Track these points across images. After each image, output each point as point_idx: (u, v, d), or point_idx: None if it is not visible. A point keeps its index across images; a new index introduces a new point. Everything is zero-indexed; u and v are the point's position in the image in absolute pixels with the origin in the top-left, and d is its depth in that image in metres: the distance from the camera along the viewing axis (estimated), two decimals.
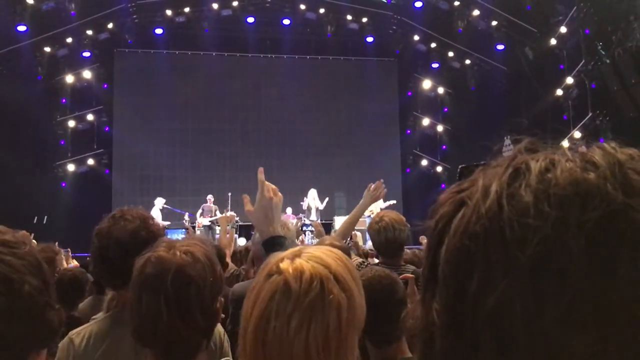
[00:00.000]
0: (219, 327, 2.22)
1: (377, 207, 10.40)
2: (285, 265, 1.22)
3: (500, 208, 0.50)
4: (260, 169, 1.93)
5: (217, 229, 14.72)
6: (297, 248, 1.29)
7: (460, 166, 1.30)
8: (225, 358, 2.07)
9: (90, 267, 2.32)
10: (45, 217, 15.83)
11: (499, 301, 0.48)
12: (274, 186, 1.94)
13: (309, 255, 1.24)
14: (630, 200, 0.48)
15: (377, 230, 3.41)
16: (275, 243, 1.89)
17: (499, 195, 0.51)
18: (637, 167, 0.51)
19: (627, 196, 0.48)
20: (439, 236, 0.55)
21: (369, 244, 9.65)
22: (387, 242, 3.45)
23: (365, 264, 3.40)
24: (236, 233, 12.39)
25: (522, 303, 0.47)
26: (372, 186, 3.61)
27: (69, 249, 7.65)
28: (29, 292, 1.05)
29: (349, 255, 3.00)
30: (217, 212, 15.03)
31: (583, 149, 0.54)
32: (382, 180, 3.65)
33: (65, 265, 6.34)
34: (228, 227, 6.48)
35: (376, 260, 3.77)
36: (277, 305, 1.17)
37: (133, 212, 2.13)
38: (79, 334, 2.00)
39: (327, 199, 15.74)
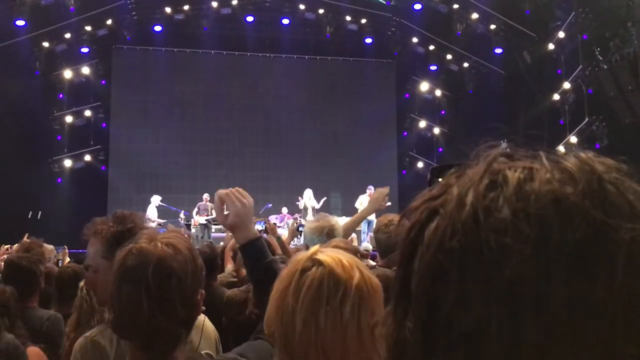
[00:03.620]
0: (213, 332, 2.22)
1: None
2: (322, 257, 1.28)
3: (477, 223, 0.48)
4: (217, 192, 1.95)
5: (213, 227, 14.72)
6: (315, 247, 1.35)
7: (431, 167, 1.33)
8: (205, 351, 2.06)
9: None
10: (40, 212, 15.77)
11: (474, 322, 0.46)
12: (242, 190, 1.97)
13: (331, 250, 1.33)
14: (609, 219, 0.46)
15: (388, 233, 3.35)
16: (256, 247, 1.92)
17: (475, 207, 0.49)
18: (616, 181, 0.49)
19: (607, 215, 0.47)
20: (412, 246, 0.53)
21: (364, 245, 9.68)
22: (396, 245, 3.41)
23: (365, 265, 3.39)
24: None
25: (498, 326, 0.46)
26: (375, 194, 3.60)
27: (65, 246, 7.63)
28: None
29: (356, 256, 3.00)
30: (213, 211, 15.00)
31: (559, 157, 0.51)
32: (388, 188, 3.62)
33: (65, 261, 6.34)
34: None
35: (372, 262, 3.78)
36: (327, 292, 1.23)
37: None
38: (102, 335, 1.93)
39: (324, 198, 15.73)
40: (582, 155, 0.51)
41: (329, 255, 1.29)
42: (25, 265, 3.66)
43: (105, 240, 2.04)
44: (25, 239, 6.48)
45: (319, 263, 1.26)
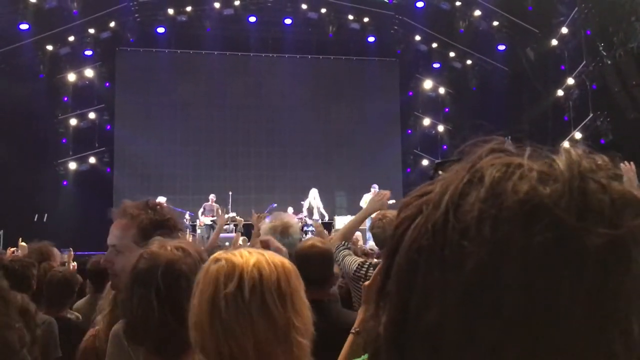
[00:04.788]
0: None
1: None
2: (220, 254, 1.33)
3: (446, 223, 0.47)
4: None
5: None
6: (220, 251, 1.40)
7: (436, 162, 1.32)
8: None
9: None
10: (46, 215, 15.82)
11: (435, 322, 0.46)
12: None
13: (241, 249, 1.36)
14: (581, 222, 0.43)
15: (382, 227, 3.44)
16: None
17: (447, 207, 0.48)
18: (602, 181, 0.46)
19: (580, 218, 0.44)
20: (396, 243, 0.52)
21: (370, 243, 9.67)
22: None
23: (367, 263, 3.42)
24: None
25: (454, 328, 0.45)
26: (378, 193, 3.65)
27: (70, 249, 7.62)
28: None
29: (330, 258, 2.97)
30: (219, 212, 15.02)
31: (550, 153, 0.49)
32: (389, 192, 3.69)
33: (73, 265, 6.34)
34: (230, 226, 6.47)
35: (376, 260, 3.79)
36: (224, 280, 1.25)
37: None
38: None
39: (326, 216, 15.74)
40: (573, 151, 0.49)
41: (230, 251, 1.32)
42: (18, 269, 3.66)
43: (142, 226, 2.06)
44: (20, 242, 6.45)
45: (216, 260, 1.30)
